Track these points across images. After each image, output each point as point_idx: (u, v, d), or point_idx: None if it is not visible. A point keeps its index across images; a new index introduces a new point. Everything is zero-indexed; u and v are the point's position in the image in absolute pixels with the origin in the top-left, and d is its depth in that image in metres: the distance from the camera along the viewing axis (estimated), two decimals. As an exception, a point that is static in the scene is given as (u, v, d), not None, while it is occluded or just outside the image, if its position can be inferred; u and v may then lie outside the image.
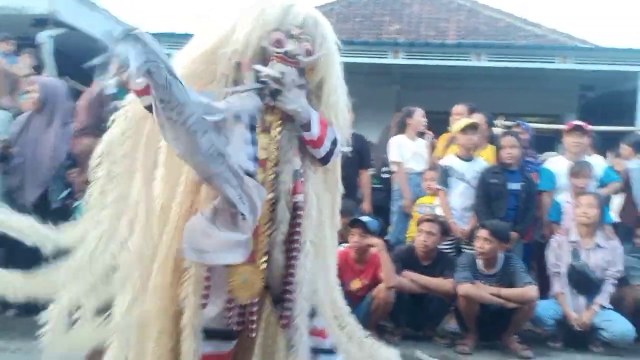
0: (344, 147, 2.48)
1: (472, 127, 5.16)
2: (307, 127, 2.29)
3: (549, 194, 5.19)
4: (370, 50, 9.84)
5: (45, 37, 8.24)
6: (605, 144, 7.16)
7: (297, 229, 2.27)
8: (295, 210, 2.28)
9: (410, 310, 4.60)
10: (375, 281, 4.46)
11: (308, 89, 2.34)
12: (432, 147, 6.05)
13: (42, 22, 8.41)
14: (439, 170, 5.28)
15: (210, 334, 2.22)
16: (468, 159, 5.19)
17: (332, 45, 2.36)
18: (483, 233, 4.47)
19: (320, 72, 2.35)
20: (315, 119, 2.30)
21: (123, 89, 4.72)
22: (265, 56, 2.25)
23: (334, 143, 2.35)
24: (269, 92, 2.23)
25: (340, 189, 2.57)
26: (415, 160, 5.83)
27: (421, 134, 6.06)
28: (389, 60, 9.71)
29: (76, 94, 5.65)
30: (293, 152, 2.29)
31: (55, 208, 4.72)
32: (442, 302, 4.58)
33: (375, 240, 4.47)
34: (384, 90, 10.36)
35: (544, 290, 4.74)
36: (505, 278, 4.45)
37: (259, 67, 2.22)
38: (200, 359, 2.19)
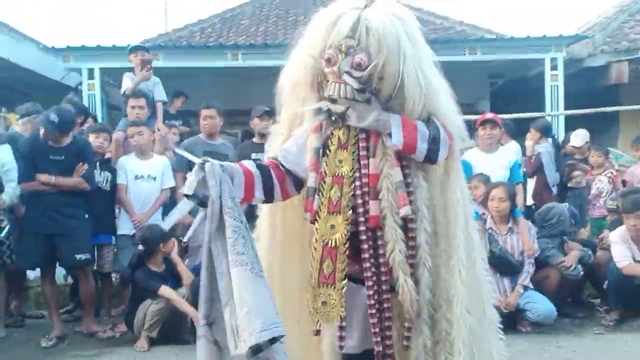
0: (461, 140, 2.26)
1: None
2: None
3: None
4: (287, 52, 9.87)
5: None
6: (519, 129, 7.55)
7: (411, 244, 2.11)
8: (405, 225, 2.11)
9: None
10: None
11: (384, 97, 2.15)
12: None
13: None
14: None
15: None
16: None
17: (393, 46, 2.09)
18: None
19: (390, 77, 2.11)
20: (396, 126, 2.11)
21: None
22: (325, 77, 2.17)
23: (434, 141, 2.12)
24: (336, 115, 2.16)
25: (463, 189, 2.29)
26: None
27: None
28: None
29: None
30: (390, 164, 2.12)
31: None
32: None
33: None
34: (305, 91, 10.45)
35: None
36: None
37: (312, 105, 2.21)
38: None
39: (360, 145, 2.15)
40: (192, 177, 2.03)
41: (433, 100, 2.15)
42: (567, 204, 5.91)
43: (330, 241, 2.11)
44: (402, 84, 2.10)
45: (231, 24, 12.23)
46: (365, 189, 2.13)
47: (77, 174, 4.73)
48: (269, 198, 2.25)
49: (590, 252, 5.12)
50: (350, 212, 2.12)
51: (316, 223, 2.13)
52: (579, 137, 7.08)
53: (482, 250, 2.43)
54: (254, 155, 5.73)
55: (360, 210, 2.12)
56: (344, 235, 2.10)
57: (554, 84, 9.92)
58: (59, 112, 4.75)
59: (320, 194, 2.15)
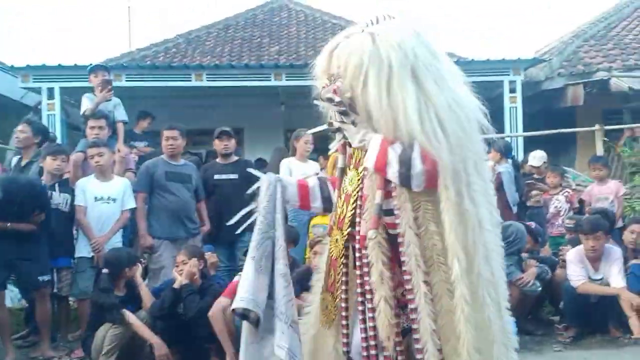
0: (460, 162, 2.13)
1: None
2: None
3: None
4: (252, 73, 9.93)
5: None
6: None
7: (405, 269, 2.11)
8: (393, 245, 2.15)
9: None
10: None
11: (363, 118, 2.21)
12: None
13: None
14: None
15: None
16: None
17: (354, 70, 2.16)
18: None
19: (356, 99, 2.18)
20: (373, 147, 2.16)
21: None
22: None
23: (403, 165, 2.09)
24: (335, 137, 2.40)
25: (471, 217, 2.12)
26: (305, 182, 5.98)
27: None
28: (272, 82, 9.84)
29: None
30: (374, 185, 2.19)
31: None
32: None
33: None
34: (271, 111, 10.50)
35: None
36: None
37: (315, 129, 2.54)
38: None
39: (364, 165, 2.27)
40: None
41: (405, 122, 2.10)
42: (532, 222, 6.01)
43: (332, 253, 2.36)
44: (367, 106, 2.16)
45: (196, 45, 12.22)
46: (358, 210, 2.26)
47: (33, 222, 4.68)
48: (327, 205, 2.56)
49: (547, 268, 5.22)
50: (350, 228, 2.29)
51: (330, 236, 2.40)
52: (537, 157, 7.26)
53: (500, 289, 2.22)
54: (216, 177, 5.72)
55: (357, 228, 2.26)
56: (340, 250, 2.32)
57: (513, 106, 10.18)
58: (2, 187, 4.69)
59: (335, 210, 2.40)
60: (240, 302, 2.38)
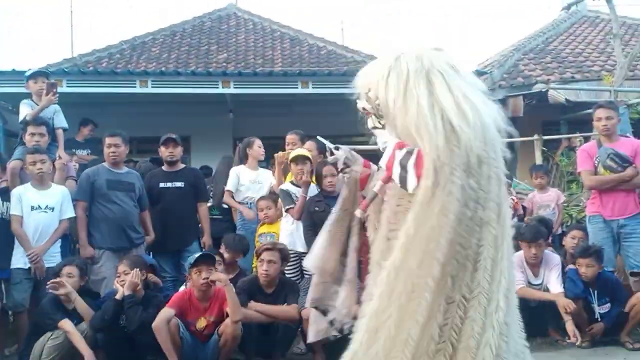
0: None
1: (302, 158, 5.35)
2: None
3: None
4: (199, 80, 9.81)
5: None
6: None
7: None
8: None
9: (259, 339, 4.63)
10: (220, 315, 4.43)
11: (390, 124, 2.53)
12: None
13: None
14: (282, 194, 5.41)
15: None
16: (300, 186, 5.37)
17: (380, 80, 2.49)
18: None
19: (384, 107, 2.49)
20: (387, 149, 2.49)
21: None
22: None
23: (403, 167, 2.38)
24: None
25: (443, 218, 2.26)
26: (254, 189, 5.94)
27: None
28: (220, 90, 9.76)
29: None
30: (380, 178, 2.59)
31: None
32: (289, 327, 4.67)
33: (220, 275, 4.46)
34: (218, 119, 10.39)
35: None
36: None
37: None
38: None
39: None
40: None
41: (406, 126, 2.38)
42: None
43: None
44: (389, 109, 2.47)
45: (141, 51, 12.00)
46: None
47: None
48: None
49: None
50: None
51: None
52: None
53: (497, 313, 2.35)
54: (161, 185, 5.61)
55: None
56: None
57: (457, 116, 10.40)
58: None
59: None
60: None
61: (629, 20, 13.66)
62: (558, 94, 10.30)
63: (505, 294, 2.35)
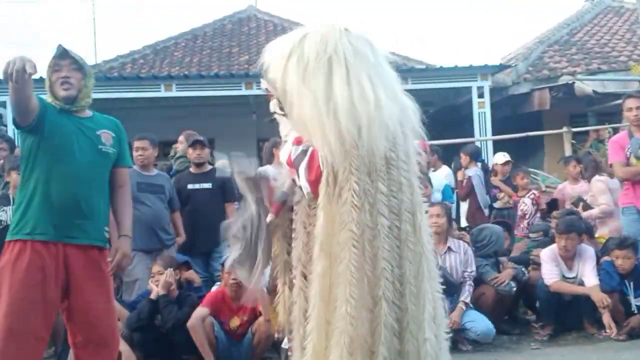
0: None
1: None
2: None
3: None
4: (222, 83, 9.88)
5: None
6: (449, 154, 7.81)
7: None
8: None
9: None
10: (254, 314, 4.45)
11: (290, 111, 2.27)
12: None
13: None
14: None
15: None
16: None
17: (280, 61, 2.21)
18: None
19: (283, 92, 2.22)
20: (287, 143, 2.23)
21: None
22: None
23: (297, 170, 2.16)
24: None
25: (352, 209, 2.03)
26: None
27: None
28: (243, 92, 9.81)
29: None
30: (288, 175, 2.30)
31: None
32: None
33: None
34: (242, 120, 10.45)
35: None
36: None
37: None
38: None
39: None
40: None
41: (301, 119, 2.13)
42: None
43: None
44: (287, 96, 2.21)
45: (164, 55, 12.13)
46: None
47: None
48: None
49: (524, 269, 5.28)
50: None
51: None
52: (498, 155, 7.51)
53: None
54: (190, 186, 5.65)
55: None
56: None
57: (482, 111, 10.33)
58: None
59: None
60: None
61: (654, 9, 13.41)
62: (585, 86, 10.14)
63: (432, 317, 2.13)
